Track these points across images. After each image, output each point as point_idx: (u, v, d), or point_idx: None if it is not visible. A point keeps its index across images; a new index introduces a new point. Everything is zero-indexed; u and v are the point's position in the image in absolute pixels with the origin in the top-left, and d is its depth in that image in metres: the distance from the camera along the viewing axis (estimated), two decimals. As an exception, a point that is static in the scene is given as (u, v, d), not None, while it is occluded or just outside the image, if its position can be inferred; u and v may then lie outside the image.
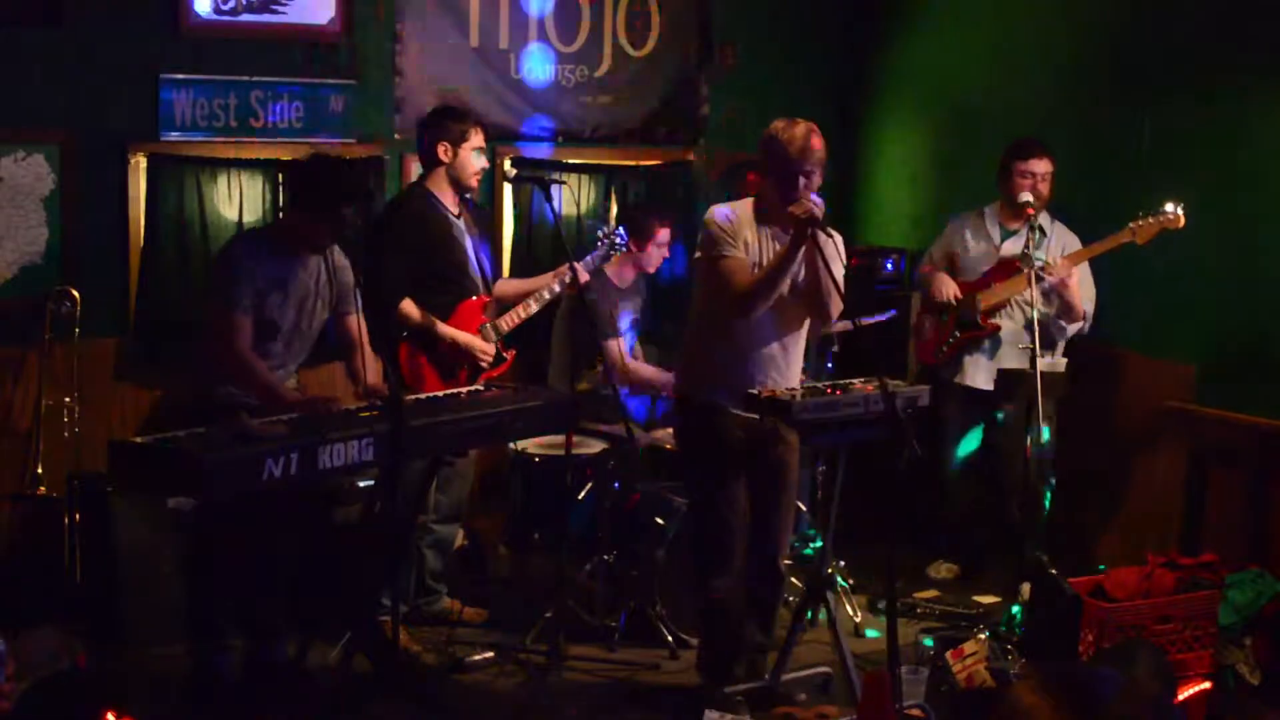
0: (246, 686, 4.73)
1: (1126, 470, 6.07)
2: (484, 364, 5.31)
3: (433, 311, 5.22)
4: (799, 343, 4.82)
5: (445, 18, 6.35)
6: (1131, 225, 5.50)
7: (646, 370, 5.98)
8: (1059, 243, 5.81)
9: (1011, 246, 5.95)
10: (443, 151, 5.26)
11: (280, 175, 5.96)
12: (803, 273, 4.62)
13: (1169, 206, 5.44)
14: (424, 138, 5.31)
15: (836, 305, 4.65)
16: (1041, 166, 5.83)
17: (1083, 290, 5.76)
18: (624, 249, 5.71)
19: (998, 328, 5.94)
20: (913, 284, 6.40)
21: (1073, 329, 5.83)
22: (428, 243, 5.22)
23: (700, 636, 4.99)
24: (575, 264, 5.27)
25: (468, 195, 5.41)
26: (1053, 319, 5.72)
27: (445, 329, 5.24)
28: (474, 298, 5.34)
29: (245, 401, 4.52)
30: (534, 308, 5.50)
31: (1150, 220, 5.47)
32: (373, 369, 4.86)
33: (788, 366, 4.78)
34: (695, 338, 4.85)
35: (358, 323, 4.87)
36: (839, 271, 4.60)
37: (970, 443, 6.14)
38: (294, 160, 5.82)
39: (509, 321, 5.44)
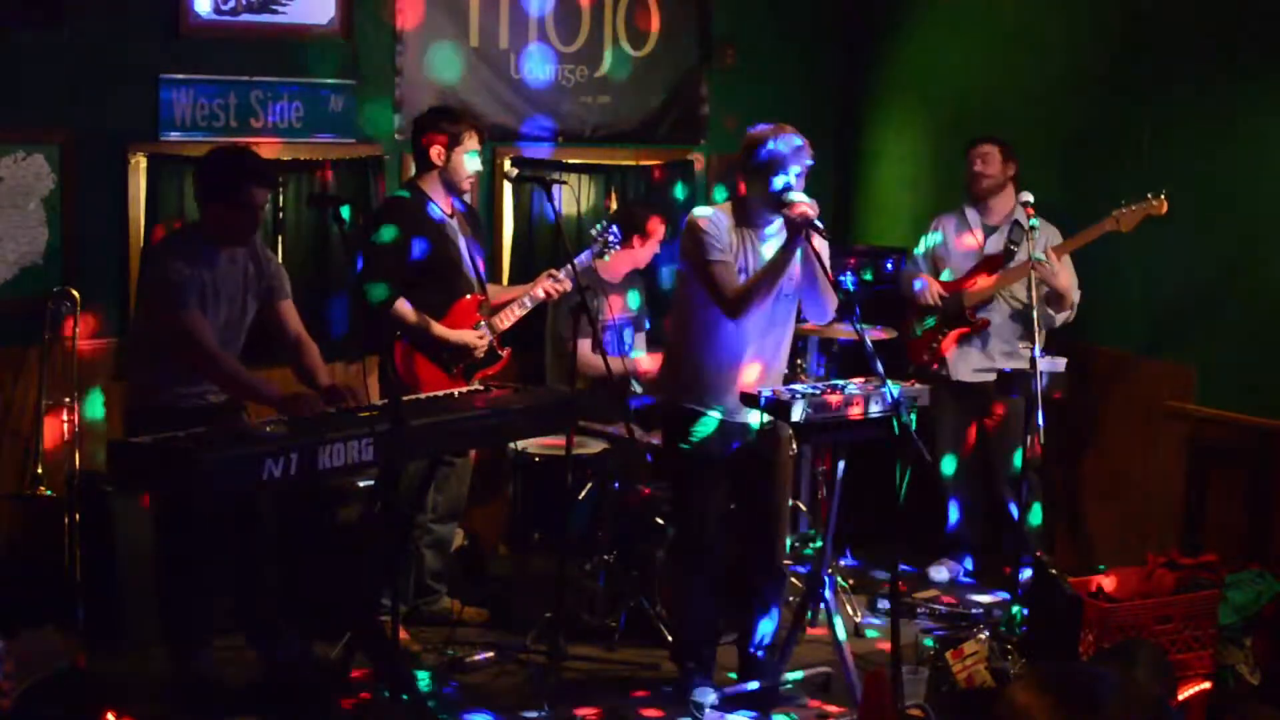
0: (246, 686, 4.73)
1: (1126, 470, 6.07)
2: (478, 355, 5.29)
3: (427, 310, 5.20)
4: (785, 346, 4.82)
5: (445, 18, 6.34)
6: (1115, 214, 5.54)
7: (617, 363, 5.65)
8: (1043, 236, 5.81)
9: (995, 242, 6.01)
10: (435, 154, 5.24)
11: (277, 177, 5.93)
12: (796, 274, 4.62)
13: (1150, 194, 5.48)
14: (418, 138, 5.30)
15: (832, 303, 4.69)
16: (985, 148, 6.05)
17: (1069, 279, 5.80)
18: (617, 247, 5.69)
19: (987, 323, 5.96)
20: (898, 285, 6.44)
21: (1060, 318, 5.85)
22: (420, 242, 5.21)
23: (675, 627, 5.09)
24: (571, 264, 5.26)
25: (464, 196, 5.40)
26: (1042, 308, 5.72)
27: (439, 328, 5.23)
28: (468, 296, 5.34)
29: (195, 405, 4.49)
30: (529, 305, 5.48)
31: (1134, 208, 5.51)
32: (323, 366, 4.75)
33: (774, 370, 4.79)
34: (679, 344, 4.85)
35: (294, 309, 4.76)
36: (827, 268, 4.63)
37: (948, 466, 6.19)
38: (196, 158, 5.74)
39: (504, 319, 5.43)
